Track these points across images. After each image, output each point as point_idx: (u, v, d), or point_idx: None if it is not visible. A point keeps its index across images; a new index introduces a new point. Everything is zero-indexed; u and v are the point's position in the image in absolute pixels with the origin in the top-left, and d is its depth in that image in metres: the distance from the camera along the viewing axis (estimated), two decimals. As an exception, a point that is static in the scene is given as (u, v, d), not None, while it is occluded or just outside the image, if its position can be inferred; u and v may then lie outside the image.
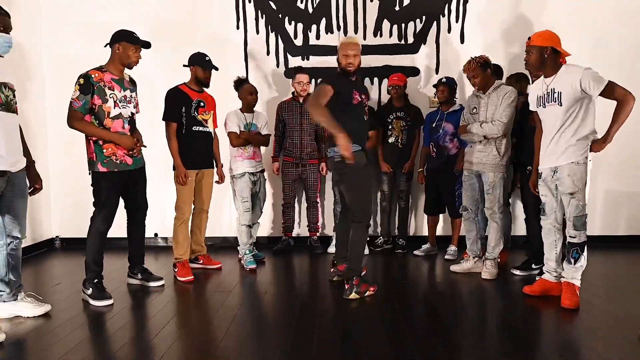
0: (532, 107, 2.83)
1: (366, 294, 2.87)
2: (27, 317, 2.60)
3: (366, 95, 3.01)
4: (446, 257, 3.74)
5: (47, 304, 2.70)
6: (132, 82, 3.00)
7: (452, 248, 3.78)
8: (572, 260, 2.66)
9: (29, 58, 4.05)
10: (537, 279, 2.95)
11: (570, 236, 2.67)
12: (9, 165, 2.37)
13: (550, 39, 2.63)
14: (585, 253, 2.66)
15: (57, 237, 4.40)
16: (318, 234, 4.12)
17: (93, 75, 2.74)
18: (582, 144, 2.60)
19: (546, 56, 2.62)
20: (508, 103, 3.11)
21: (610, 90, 2.48)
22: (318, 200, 4.07)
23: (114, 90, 2.80)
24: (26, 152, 2.60)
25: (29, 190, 2.63)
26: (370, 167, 3.02)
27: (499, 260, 3.32)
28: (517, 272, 3.28)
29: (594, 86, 2.49)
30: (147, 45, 2.88)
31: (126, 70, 2.93)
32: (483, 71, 3.15)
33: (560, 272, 2.80)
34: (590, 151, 2.60)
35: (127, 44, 2.80)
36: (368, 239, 4.04)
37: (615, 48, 4.05)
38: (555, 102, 2.61)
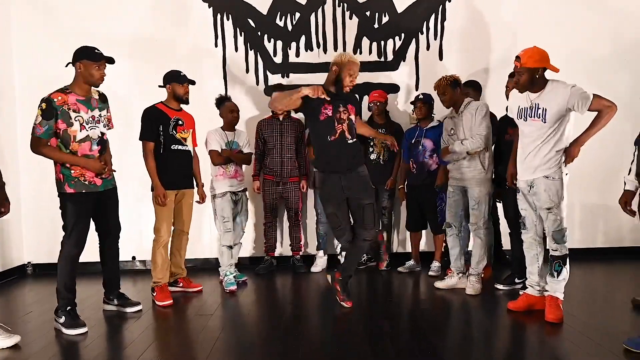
0: (512, 115, 2.84)
1: (342, 303, 2.97)
2: (-5, 350, 2.45)
3: (346, 109, 2.88)
4: (430, 273, 3.73)
5: (16, 334, 2.55)
6: (103, 99, 2.88)
7: (436, 264, 3.78)
8: (555, 274, 2.67)
9: (1, 76, 3.93)
10: (520, 293, 2.95)
11: (551, 249, 2.68)
12: None
13: (541, 60, 2.59)
14: (567, 266, 2.67)
15: (28, 263, 4.22)
16: (301, 253, 4.06)
17: (55, 99, 2.63)
18: (558, 162, 2.62)
19: (537, 76, 2.61)
20: (482, 116, 3.16)
21: (596, 104, 2.54)
22: (300, 219, 4.03)
23: (79, 113, 2.70)
24: None
25: None
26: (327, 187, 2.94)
27: (482, 275, 3.32)
28: (501, 287, 3.28)
29: (582, 104, 2.53)
30: (110, 60, 2.75)
31: (95, 88, 2.81)
32: (452, 89, 3.21)
33: (544, 286, 2.80)
34: (565, 159, 2.62)
35: (88, 61, 2.67)
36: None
37: (590, 59, 4.15)
38: (539, 118, 2.62)
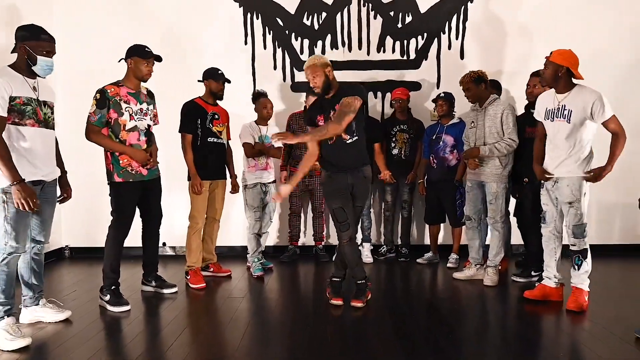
0: (538, 116, 2.96)
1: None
2: (49, 323, 2.68)
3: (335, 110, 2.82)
4: (448, 265, 3.87)
5: (67, 310, 2.78)
6: (150, 95, 3.11)
7: (454, 256, 3.92)
8: (576, 267, 2.81)
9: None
10: (536, 285, 3.09)
11: (570, 244, 2.82)
12: (43, 176, 2.50)
13: (569, 60, 2.70)
14: (588, 259, 2.80)
15: (66, 246, 4.47)
16: (323, 243, 4.24)
17: (109, 90, 2.86)
18: (582, 161, 2.75)
19: (560, 75, 2.73)
20: (512, 120, 3.27)
21: (611, 123, 2.67)
22: (323, 210, 4.19)
23: (129, 104, 2.92)
24: (60, 163, 2.72)
25: (60, 199, 2.75)
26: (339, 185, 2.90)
27: (499, 267, 3.46)
28: (518, 279, 3.42)
29: (600, 114, 2.66)
30: (158, 58, 2.98)
31: (144, 84, 3.04)
32: (476, 85, 3.31)
33: (560, 278, 2.95)
34: (590, 179, 2.74)
35: (138, 58, 2.90)
36: (372, 247, 4.20)
37: (611, 65, 4.22)
38: (564, 118, 2.75)
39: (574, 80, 2.78)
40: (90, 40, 4.28)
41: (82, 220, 4.34)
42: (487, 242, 3.56)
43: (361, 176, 2.90)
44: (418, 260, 4.03)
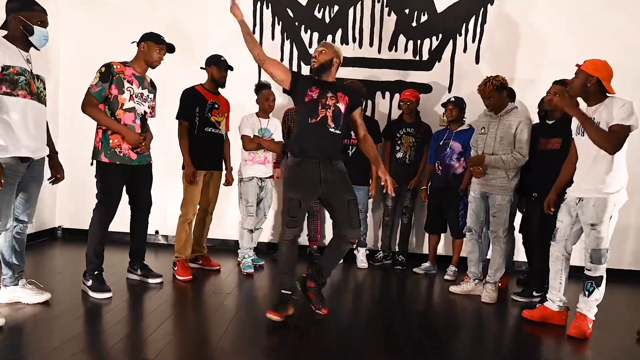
0: (573, 135, 2.76)
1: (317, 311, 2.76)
2: (27, 304, 2.60)
3: (334, 96, 2.63)
4: (446, 277, 3.73)
5: (47, 292, 2.70)
6: (152, 85, 3.05)
7: (452, 268, 3.78)
8: (586, 293, 2.62)
9: (47, 51, 4.09)
10: (537, 306, 2.94)
11: (586, 268, 2.62)
12: (31, 152, 2.41)
13: (601, 71, 2.52)
14: (602, 287, 2.60)
15: (59, 226, 4.42)
16: (317, 244, 4.12)
17: (115, 66, 2.80)
18: (611, 180, 2.53)
19: (589, 85, 2.54)
20: (527, 135, 3.11)
21: (618, 128, 2.44)
22: (318, 209, 4.08)
23: (132, 85, 2.85)
24: (50, 143, 2.64)
25: (51, 180, 2.67)
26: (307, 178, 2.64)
27: (499, 284, 3.31)
28: (518, 298, 3.26)
29: (617, 117, 2.44)
30: (171, 48, 2.94)
31: (149, 73, 2.99)
32: (499, 93, 3.15)
33: (564, 302, 2.79)
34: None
35: (152, 43, 2.87)
36: (368, 252, 4.07)
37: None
38: None
39: (608, 94, 2.57)
40: (94, 28, 4.21)
41: (76, 201, 4.29)
42: (488, 257, 3.42)
43: (335, 169, 2.65)
44: (415, 270, 3.90)
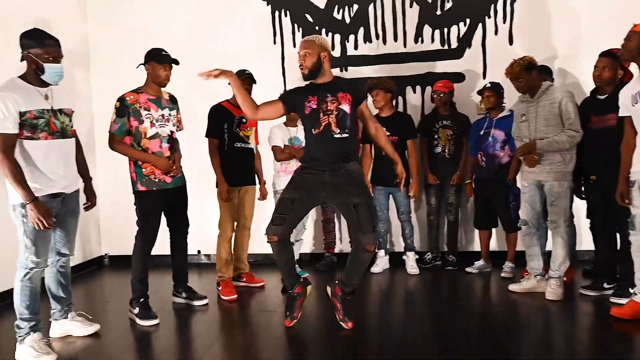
0: (624, 111, 2.52)
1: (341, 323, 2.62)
2: (78, 336, 2.62)
3: (335, 99, 2.47)
4: (502, 274, 3.48)
5: (96, 323, 2.71)
6: (173, 100, 3.01)
7: (509, 265, 3.52)
8: None
9: (79, 79, 4.21)
10: (611, 300, 2.65)
11: None
12: (62, 188, 2.42)
13: None
14: None
15: (106, 254, 4.51)
16: (333, 250, 3.98)
17: (128, 98, 2.78)
18: None
19: None
20: (573, 108, 2.86)
21: None
22: (334, 216, 3.93)
23: (149, 111, 2.82)
24: (84, 169, 2.65)
25: (85, 206, 2.68)
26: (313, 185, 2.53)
27: (564, 279, 3.03)
28: (588, 292, 2.96)
29: None
30: (175, 62, 2.86)
31: (165, 88, 2.94)
32: (528, 74, 2.92)
33: None
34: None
35: (155, 63, 2.81)
36: (417, 257, 3.86)
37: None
38: None
39: None
40: (121, 48, 4.29)
41: (120, 229, 4.34)
42: (547, 249, 3.16)
43: (342, 172, 2.49)
44: (467, 269, 3.66)
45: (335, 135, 2.48)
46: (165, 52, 2.84)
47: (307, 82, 2.58)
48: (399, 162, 2.66)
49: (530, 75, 2.93)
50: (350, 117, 2.51)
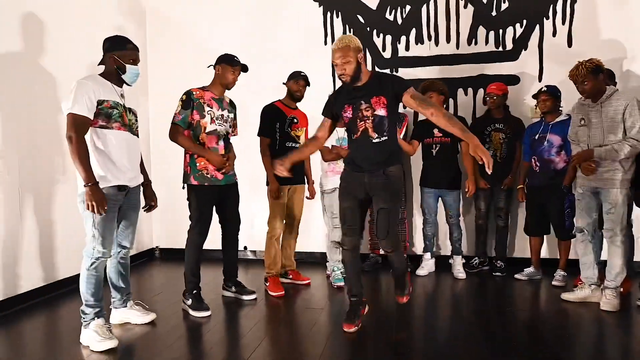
0: None
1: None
2: (136, 324, 2.76)
3: (369, 105, 2.44)
4: (554, 282, 3.38)
5: (152, 312, 2.85)
6: (232, 105, 3.14)
7: (561, 273, 3.41)
8: None
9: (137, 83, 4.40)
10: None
11: None
12: (127, 181, 2.55)
13: None
14: None
15: (157, 247, 4.69)
16: (406, 252, 3.95)
17: (194, 93, 2.92)
18: None
19: None
20: (639, 116, 2.74)
21: None
22: (405, 216, 3.91)
23: (212, 108, 2.94)
24: (144, 173, 2.79)
25: (146, 207, 2.81)
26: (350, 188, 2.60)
27: (621, 289, 2.92)
28: (647, 305, 2.86)
29: None
30: (245, 68, 3.02)
31: (227, 93, 3.07)
32: (594, 77, 2.80)
33: None
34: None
35: (226, 65, 2.95)
36: (464, 261, 3.80)
37: None
38: None
39: None
40: (177, 50, 4.45)
41: (171, 222, 4.52)
42: (602, 259, 3.03)
43: (380, 173, 2.49)
44: (516, 276, 3.57)
45: (373, 140, 2.49)
46: (237, 57, 3.00)
47: (342, 88, 2.59)
48: (473, 139, 2.24)
49: (597, 78, 2.82)
50: (388, 119, 2.47)
